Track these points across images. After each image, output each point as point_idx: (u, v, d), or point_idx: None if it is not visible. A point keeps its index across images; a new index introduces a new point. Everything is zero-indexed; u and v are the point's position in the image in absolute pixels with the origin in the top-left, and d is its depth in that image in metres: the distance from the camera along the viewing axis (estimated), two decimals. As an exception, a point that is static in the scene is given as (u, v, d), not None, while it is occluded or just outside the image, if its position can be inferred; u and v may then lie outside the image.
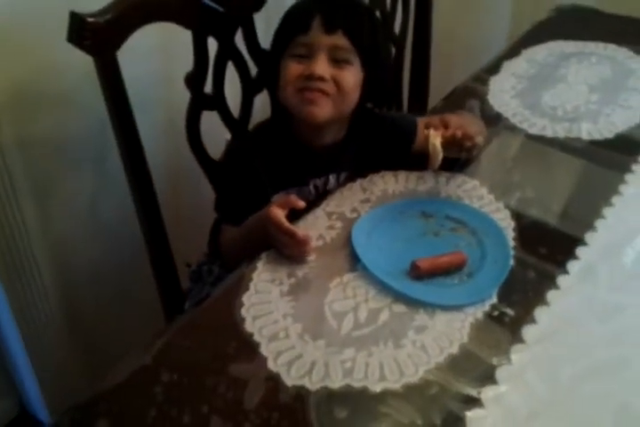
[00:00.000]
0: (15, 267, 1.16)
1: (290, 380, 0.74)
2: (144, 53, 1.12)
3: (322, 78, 0.96)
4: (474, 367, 0.76)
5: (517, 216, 0.99)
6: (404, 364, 0.76)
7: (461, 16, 1.88)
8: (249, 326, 0.80)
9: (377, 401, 0.73)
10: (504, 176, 1.09)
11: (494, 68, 1.40)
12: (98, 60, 0.92)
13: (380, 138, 1.10)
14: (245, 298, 0.84)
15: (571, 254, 0.92)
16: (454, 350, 0.78)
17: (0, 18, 0.95)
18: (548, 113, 1.25)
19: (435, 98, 1.57)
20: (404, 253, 0.91)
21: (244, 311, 0.82)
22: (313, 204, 1.03)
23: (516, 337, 0.80)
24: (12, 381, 1.40)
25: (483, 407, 0.72)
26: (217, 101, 1.12)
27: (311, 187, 1.08)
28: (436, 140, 0.94)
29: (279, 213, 0.89)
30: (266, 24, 1.16)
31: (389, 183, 1.07)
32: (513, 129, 1.20)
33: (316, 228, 0.97)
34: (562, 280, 0.88)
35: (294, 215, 0.95)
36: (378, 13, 1.42)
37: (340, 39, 0.97)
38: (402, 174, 1.08)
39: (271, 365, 0.75)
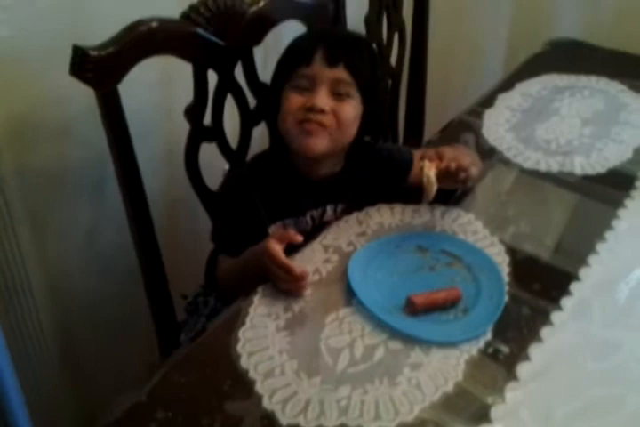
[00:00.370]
0: (10, 295, 1.16)
1: (285, 418, 0.74)
2: (145, 85, 1.13)
3: (322, 111, 0.97)
4: (468, 406, 0.76)
5: (512, 251, 1.00)
6: (399, 402, 0.76)
7: (457, 49, 1.91)
8: (244, 363, 0.80)
9: (372, 440, 0.73)
10: (498, 210, 1.10)
11: (489, 101, 1.42)
12: (99, 93, 0.93)
13: (376, 170, 1.11)
14: (241, 333, 0.84)
15: (564, 290, 0.93)
16: (449, 388, 0.78)
17: (2, 49, 0.96)
18: (542, 146, 1.27)
19: (430, 130, 1.59)
20: (400, 287, 0.92)
21: (239, 347, 0.82)
22: (310, 234, 1.04)
23: (511, 375, 0.80)
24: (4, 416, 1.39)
25: (478, 447, 0.72)
26: (216, 133, 1.13)
27: (308, 217, 1.09)
28: (430, 171, 0.96)
29: (277, 248, 0.90)
30: (264, 57, 1.18)
31: (385, 216, 1.08)
32: (507, 163, 1.22)
33: (313, 261, 0.97)
34: (556, 316, 0.89)
35: (291, 246, 0.95)
36: (375, 46, 1.45)
37: (341, 72, 0.99)
38: (398, 207, 1.09)
39: (266, 403, 0.76)
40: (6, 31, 0.96)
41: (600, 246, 1.02)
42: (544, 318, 0.88)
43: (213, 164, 1.16)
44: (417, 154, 1.11)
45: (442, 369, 0.80)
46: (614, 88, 1.46)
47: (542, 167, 1.20)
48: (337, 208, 1.10)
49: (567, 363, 0.83)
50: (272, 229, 1.06)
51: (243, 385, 0.78)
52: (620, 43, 1.56)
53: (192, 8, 1.00)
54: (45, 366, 1.27)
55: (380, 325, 0.86)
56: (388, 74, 1.51)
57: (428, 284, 0.92)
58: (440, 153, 1.00)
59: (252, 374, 0.79)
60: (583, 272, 0.96)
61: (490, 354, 0.83)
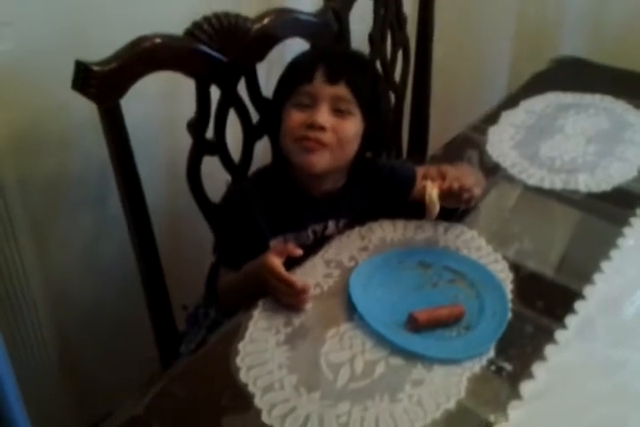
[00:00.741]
0: (11, 304, 1.15)
1: (284, 434, 0.73)
2: (149, 97, 1.14)
3: (323, 128, 0.97)
4: (470, 424, 0.75)
5: (515, 268, 0.99)
6: (399, 419, 0.75)
7: (461, 65, 1.92)
8: (244, 377, 0.79)
9: (371, 458, 0.71)
10: (502, 227, 1.09)
11: (493, 118, 1.42)
12: (101, 108, 0.93)
13: (378, 186, 1.11)
14: (241, 346, 0.83)
15: (569, 308, 0.92)
16: (451, 405, 0.77)
17: (5, 63, 0.97)
18: (546, 164, 1.26)
19: (434, 146, 1.59)
20: (402, 304, 0.91)
21: (239, 361, 0.81)
22: (311, 249, 1.03)
23: (514, 393, 0.79)
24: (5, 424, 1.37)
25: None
26: (218, 147, 1.13)
27: (310, 232, 1.08)
28: (432, 191, 0.95)
29: (277, 262, 0.89)
30: (267, 73, 1.19)
31: (387, 231, 1.07)
32: (511, 180, 1.21)
33: (314, 275, 0.96)
34: (560, 335, 0.88)
35: (292, 261, 0.95)
36: (378, 62, 1.45)
37: (342, 90, 0.99)
38: (400, 223, 1.09)
39: (265, 417, 0.74)
40: (10, 45, 0.96)
41: (605, 265, 1.01)
42: (548, 336, 0.87)
43: (216, 176, 1.16)
44: (420, 171, 1.10)
45: (444, 386, 0.79)
46: (619, 107, 1.46)
47: (546, 184, 1.20)
48: (339, 223, 1.09)
49: (571, 382, 0.82)
50: (273, 243, 1.05)
51: (241, 399, 0.77)
52: (625, 61, 1.56)
53: (195, 25, 1.00)
54: (46, 374, 1.26)
55: (381, 340, 0.85)
56: (393, 90, 1.51)
57: (430, 300, 0.91)
58: (443, 172, 0.99)
59: (251, 388, 0.78)
60: (588, 290, 0.95)
61: (493, 372, 0.82)
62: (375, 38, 1.43)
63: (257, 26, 1.08)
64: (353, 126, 1.00)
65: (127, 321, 1.32)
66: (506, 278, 0.97)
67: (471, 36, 1.89)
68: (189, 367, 0.84)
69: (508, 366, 0.82)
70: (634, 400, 0.80)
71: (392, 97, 1.51)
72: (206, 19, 1.02)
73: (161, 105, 1.24)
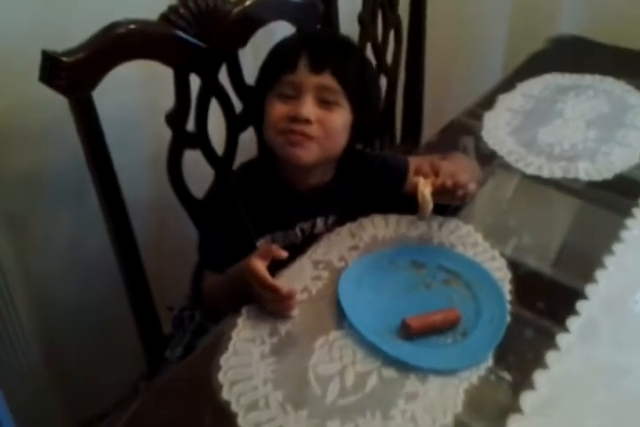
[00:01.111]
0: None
1: (268, 457, 0.68)
2: (127, 85, 1.08)
3: (307, 121, 0.91)
4: (468, 441, 0.71)
5: (514, 266, 0.94)
6: (392, 438, 0.71)
7: (455, 47, 1.85)
8: (226, 394, 0.74)
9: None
10: (499, 220, 1.04)
11: (489, 102, 1.35)
12: (72, 101, 0.88)
13: (369, 179, 1.05)
14: (223, 360, 0.78)
15: (570, 309, 0.87)
16: (447, 421, 0.72)
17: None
18: (545, 151, 1.20)
19: (428, 131, 1.54)
20: (394, 307, 0.86)
21: (221, 376, 0.76)
22: (299, 247, 0.98)
23: (514, 405, 0.74)
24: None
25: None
26: (200, 139, 1.08)
27: (297, 230, 1.03)
28: (425, 189, 0.89)
29: (260, 266, 0.83)
30: (254, 60, 1.12)
31: (379, 228, 1.02)
32: (508, 168, 1.16)
33: (301, 278, 0.91)
34: (561, 339, 0.83)
35: (279, 262, 0.89)
36: (369, 45, 1.39)
37: (327, 79, 0.93)
38: (392, 218, 1.03)
39: (248, 439, 0.70)
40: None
41: (607, 260, 0.96)
42: (549, 341, 0.82)
43: (200, 170, 1.10)
44: (413, 163, 1.05)
45: (439, 400, 0.74)
46: (619, 88, 1.40)
47: (545, 173, 1.15)
48: (328, 220, 1.04)
49: (574, 391, 0.77)
50: (260, 242, 1.00)
51: (224, 419, 0.72)
52: (626, 39, 1.49)
53: (171, 9, 0.94)
54: (31, 377, 1.23)
55: (372, 350, 0.80)
56: (384, 73, 1.45)
57: (423, 303, 0.87)
58: (436, 167, 0.93)
59: (234, 406, 0.73)
60: (590, 289, 0.91)
61: (491, 382, 0.77)
62: (365, 19, 1.37)
63: (238, 8, 1.01)
64: (340, 118, 0.95)
65: (113, 319, 1.27)
66: (504, 278, 0.92)
67: (465, 16, 1.82)
68: (170, 384, 0.79)
69: (507, 376, 0.78)
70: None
71: (384, 80, 1.45)
72: (183, 2, 0.95)
73: (141, 93, 1.18)
